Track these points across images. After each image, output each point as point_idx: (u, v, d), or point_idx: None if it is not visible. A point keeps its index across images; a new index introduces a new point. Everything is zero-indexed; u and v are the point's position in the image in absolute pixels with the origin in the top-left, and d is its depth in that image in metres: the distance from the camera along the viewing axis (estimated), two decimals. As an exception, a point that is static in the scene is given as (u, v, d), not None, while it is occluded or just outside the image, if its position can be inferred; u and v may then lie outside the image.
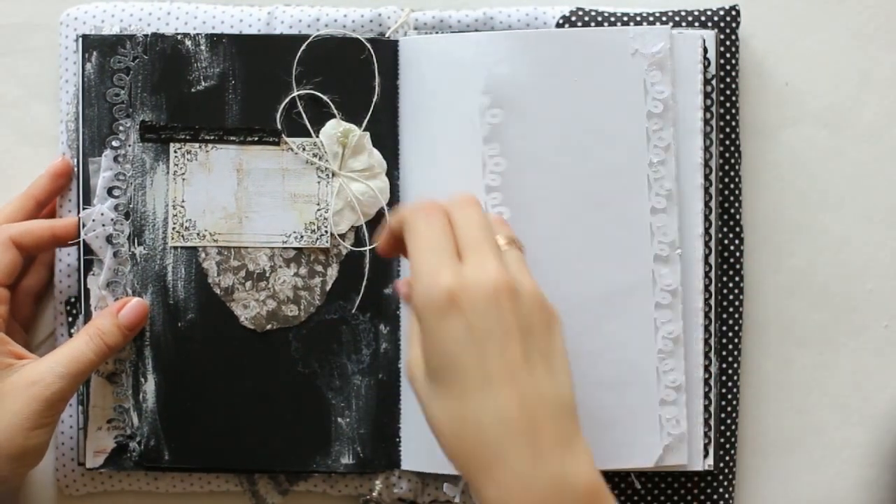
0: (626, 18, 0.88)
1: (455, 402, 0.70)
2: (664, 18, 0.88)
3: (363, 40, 0.86)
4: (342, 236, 0.86)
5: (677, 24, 0.88)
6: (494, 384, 0.69)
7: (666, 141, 0.85)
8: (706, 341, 0.86)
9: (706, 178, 0.86)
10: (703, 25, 0.88)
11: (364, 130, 0.86)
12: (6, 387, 0.80)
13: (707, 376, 0.86)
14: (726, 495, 0.88)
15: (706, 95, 0.86)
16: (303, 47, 0.85)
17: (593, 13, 0.89)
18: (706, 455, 0.86)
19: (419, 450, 0.86)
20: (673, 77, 0.85)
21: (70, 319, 0.88)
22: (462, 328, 0.69)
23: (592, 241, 0.84)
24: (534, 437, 0.69)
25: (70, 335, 0.88)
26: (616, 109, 0.85)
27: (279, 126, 0.86)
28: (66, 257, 0.88)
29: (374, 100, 0.86)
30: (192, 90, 0.86)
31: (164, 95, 0.86)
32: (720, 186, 0.88)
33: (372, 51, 0.86)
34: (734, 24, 0.89)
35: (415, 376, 0.72)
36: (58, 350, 0.82)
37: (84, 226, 0.85)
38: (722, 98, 0.88)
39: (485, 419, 0.69)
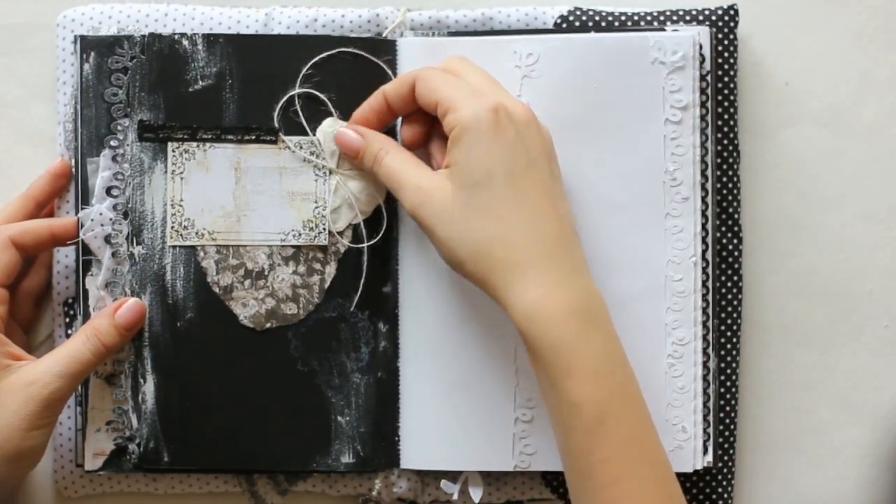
0: (623, 17, 0.88)
1: (502, 209, 0.76)
2: (662, 17, 0.88)
3: (364, 47, 0.86)
4: (340, 234, 0.86)
5: (675, 23, 0.88)
6: (538, 193, 0.76)
7: (684, 149, 0.85)
8: (704, 338, 0.86)
9: (702, 173, 0.86)
10: (701, 24, 0.88)
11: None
12: (3, 387, 0.79)
13: (705, 373, 0.86)
14: (725, 495, 0.88)
15: (701, 91, 0.86)
16: (317, 58, 0.86)
17: (591, 13, 0.89)
18: (705, 452, 0.86)
19: (419, 449, 0.86)
20: (694, 85, 0.85)
21: (67, 321, 0.88)
22: (512, 135, 0.77)
23: (608, 245, 0.85)
24: (569, 248, 0.77)
25: (68, 336, 0.87)
26: (634, 116, 0.85)
27: (276, 125, 0.86)
28: (64, 258, 0.88)
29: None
30: (190, 89, 0.86)
31: (162, 95, 0.86)
32: (719, 186, 0.88)
33: (375, 51, 0.86)
34: (732, 24, 0.89)
35: (428, 201, 0.77)
36: (55, 350, 0.81)
37: (82, 226, 0.85)
38: (720, 98, 0.88)
39: (531, 225, 0.76)
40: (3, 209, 0.87)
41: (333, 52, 0.86)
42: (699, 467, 0.85)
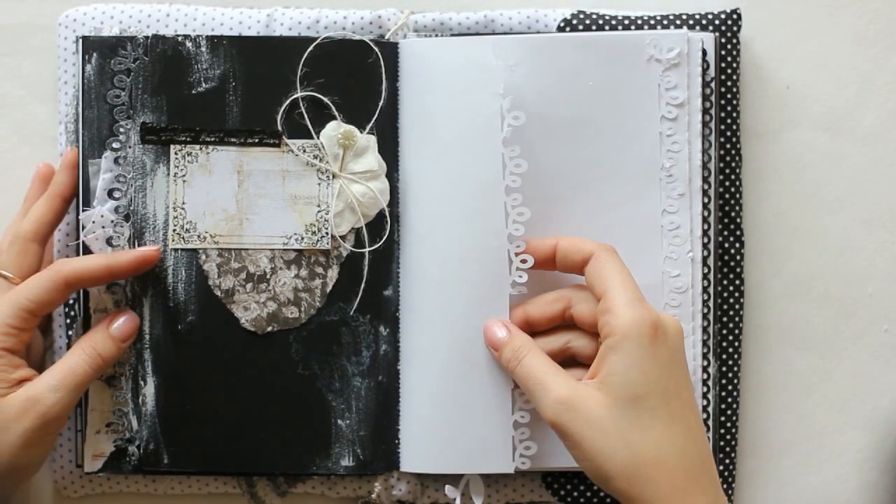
0: (626, 21, 0.88)
1: (658, 427, 0.74)
2: (665, 21, 0.88)
3: (369, 42, 0.86)
4: (342, 238, 0.86)
5: (678, 28, 0.88)
6: (689, 413, 0.75)
7: (679, 145, 0.85)
8: (705, 343, 0.86)
9: (705, 179, 0.86)
10: (704, 28, 0.88)
11: (369, 133, 0.86)
12: (3, 404, 0.78)
13: (706, 378, 0.86)
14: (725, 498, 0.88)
15: (705, 97, 0.86)
16: (309, 49, 0.85)
17: (594, 16, 0.89)
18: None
19: (418, 451, 0.86)
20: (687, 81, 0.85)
21: (68, 321, 0.88)
22: (668, 354, 0.75)
23: (605, 242, 0.84)
24: (713, 469, 0.75)
25: (67, 337, 0.87)
26: (630, 113, 0.85)
27: (279, 128, 0.85)
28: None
29: (381, 102, 0.86)
30: (193, 92, 0.85)
31: (165, 97, 0.85)
32: (721, 190, 0.88)
33: (379, 53, 0.86)
34: (735, 28, 0.89)
35: (576, 410, 0.74)
36: (53, 366, 0.81)
37: (83, 228, 0.85)
38: (723, 101, 0.88)
39: (684, 447, 0.74)
40: (33, 212, 0.85)
41: (331, 46, 0.86)
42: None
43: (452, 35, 0.88)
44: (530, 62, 0.85)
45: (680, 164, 0.85)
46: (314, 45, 0.85)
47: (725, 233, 0.88)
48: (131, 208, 0.85)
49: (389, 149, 0.86)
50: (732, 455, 0.88)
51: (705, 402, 0.86)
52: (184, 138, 0.85)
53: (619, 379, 0.74)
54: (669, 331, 0.75)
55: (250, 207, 0.85)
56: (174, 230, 0.85)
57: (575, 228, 0.84)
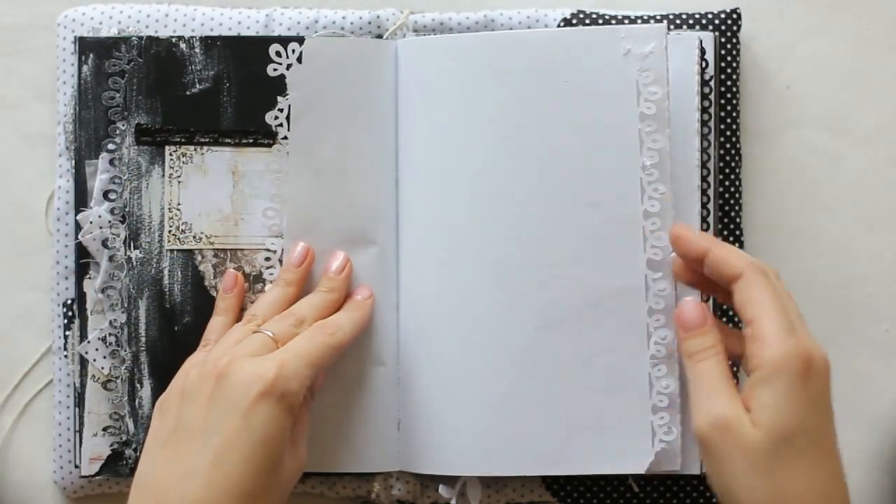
0: (626, 21, 0.88)
1: (805, 468, 0.71)
2: (665, 21, 0.88)
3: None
4: (338, 237, 0.86)
5: (678, 27, 0.88)
6: (833, 456, 0.72)
7: (660, 143, 0.83)
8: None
9: (704, 179, 0.86)
10: (704, 28, 0.88)
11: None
12: None
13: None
14: (725, 500, 0.88)
15: (704, 97, 0.86)
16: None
17: (594, 15, 0.88)
18: (704, 458, 0.85)
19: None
20: (669, 78, 0.83)
21: (66, 321, 0.88)
22: (816, 393, 0.72)
23: (584, 244, 0.84)
24: None
25: (63, 337, 0.87)
26: (608, 111, 0.83)
27: (273, 128, 0.85)
28: (64, 259, 0.87)
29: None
30: (187, 93, 0.85)
31: (160, 98, 0.85)
32: (720, 190, 0.88)
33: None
34: (735, 28, 0.89)
35: (732, 432, 0.71)
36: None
37: (80, 229, 0.85)
38: (722, 101, 0.88)
39: (828, 490, 0.71)
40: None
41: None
42: (697, 472, 0.85)
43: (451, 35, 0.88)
44: (511, 58, 0.84)
45: (661, 164, 0.83)
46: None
47: (725, 233, 0.88)
48: (127, 209, 0.85)
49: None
50: (731, 456, 0.88)
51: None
52: (178, 139, 0.85)
53: (769, 413, 0.71)
54: (819, 367, 0.72)
55: (245, 208, 0.85)
56: (170, 231, 0.85)
57: (552, 230, 0.83)
